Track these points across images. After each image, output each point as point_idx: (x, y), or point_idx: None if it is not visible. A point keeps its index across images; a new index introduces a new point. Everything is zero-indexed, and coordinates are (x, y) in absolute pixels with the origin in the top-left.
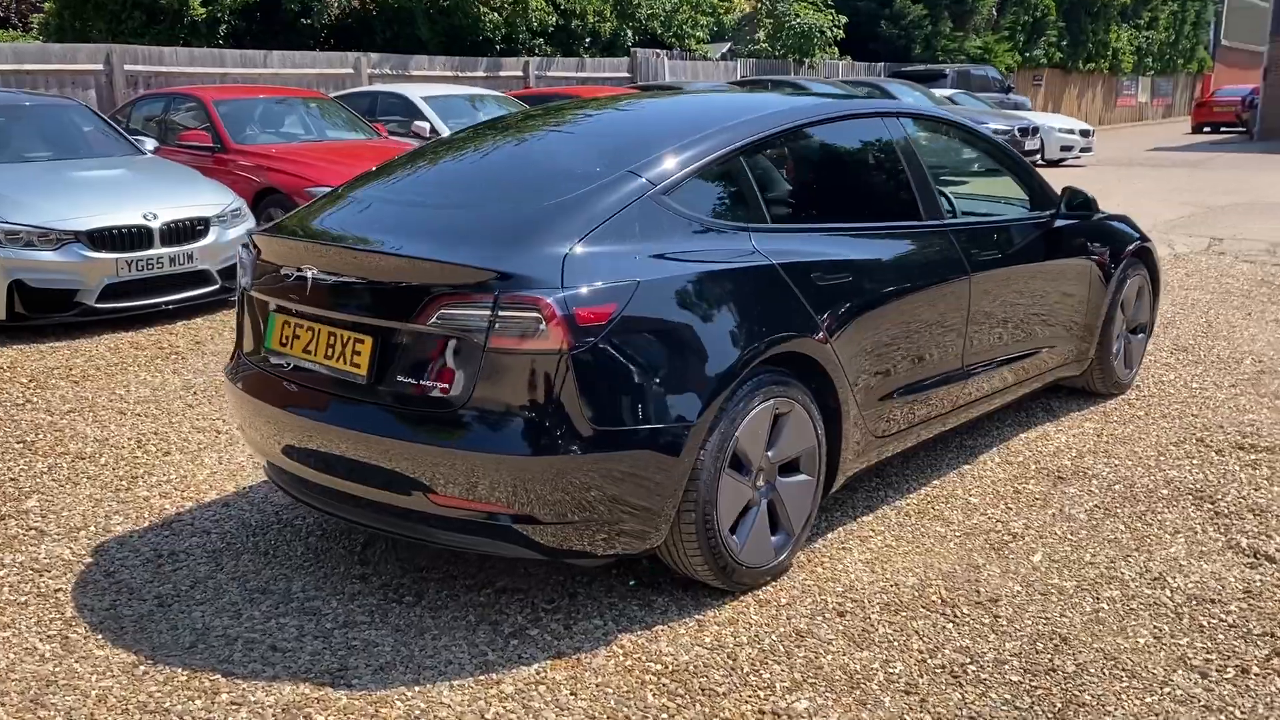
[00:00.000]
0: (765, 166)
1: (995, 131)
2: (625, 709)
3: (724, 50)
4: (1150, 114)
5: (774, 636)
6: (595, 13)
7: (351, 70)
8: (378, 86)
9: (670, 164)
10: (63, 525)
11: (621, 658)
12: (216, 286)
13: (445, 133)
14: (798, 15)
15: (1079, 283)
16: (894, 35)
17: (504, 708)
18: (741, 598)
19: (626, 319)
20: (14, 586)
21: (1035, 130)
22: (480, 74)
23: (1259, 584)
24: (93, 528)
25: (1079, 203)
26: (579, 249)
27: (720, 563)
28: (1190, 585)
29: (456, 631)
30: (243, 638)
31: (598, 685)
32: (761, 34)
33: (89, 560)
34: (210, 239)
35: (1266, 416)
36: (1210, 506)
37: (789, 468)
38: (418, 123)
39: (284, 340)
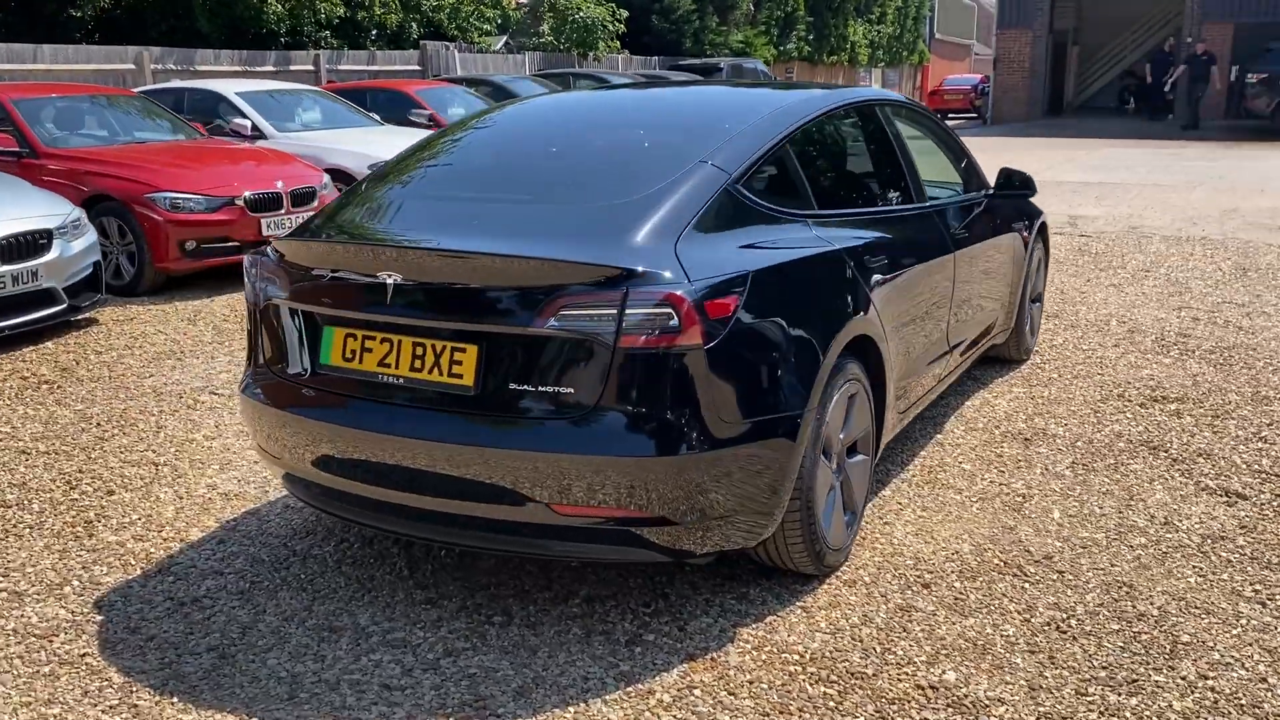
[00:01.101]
0: (804, 154)
1: None
2: (792, 702)
3: (500, 43)
4: None
5: (882, 615)
6: (381, 4)
7: (133, 66)
8: (184, 83)
9: (736, 153)
10: (37, 582)
11: (754, 652)
12: (64, 306)
13: (269, 131)
14: (579, 9)
15: (1011, 256)
16: (665, 29)
17: (673, 717)
18: (826, 581)
19: (746, 309)
20: (26, 657)
21: None
22: (270, 68)
23: (1247, 519)
24: (76, 582)
25: (1019, 182)
26: (686, 242)
27: (815, 548)
28: (1196, 526)
29: (570, 646)
30: (344, 680)
31: (749, 683)
32: (545, 27)
33: (98, 618)
34: (54, 254)
35: (1159, 371)
36: (1165, 455)
37: (850, 449)
38: (237, 120)
39: (349, 354)
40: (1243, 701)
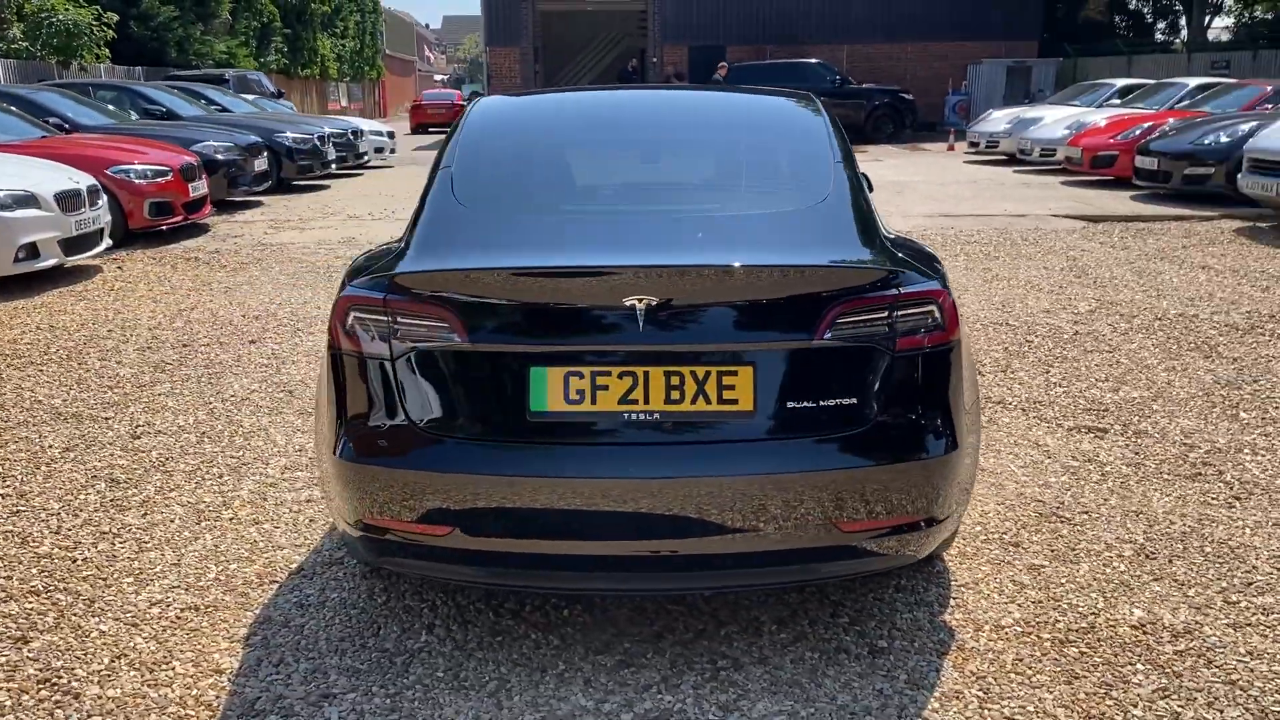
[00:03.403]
0: None
1: (330, 135)
2: (1074, 666)
3: None
4: (353, 115)
5: (1025, 577)
6: None
7: None
8: None
9: (845, 152)
10: None
11: (986, 633)
12: None
13: None
14: (55, 10)
15: None
16: (147, 37)
17: (1000, 712)
18: (945, 562)
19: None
20: None
21: (360, 133)
22: None
23: (1136, 448)
24: None
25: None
26: (888, 239)
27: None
28: (1111, 459)
29: (827, 671)
30: None
31: (1019, 660)
32: (16, 31)
33: None
34: None
35: None
36: (1014, 407)
37: None
38: None
39: (574, 395)
40: None
